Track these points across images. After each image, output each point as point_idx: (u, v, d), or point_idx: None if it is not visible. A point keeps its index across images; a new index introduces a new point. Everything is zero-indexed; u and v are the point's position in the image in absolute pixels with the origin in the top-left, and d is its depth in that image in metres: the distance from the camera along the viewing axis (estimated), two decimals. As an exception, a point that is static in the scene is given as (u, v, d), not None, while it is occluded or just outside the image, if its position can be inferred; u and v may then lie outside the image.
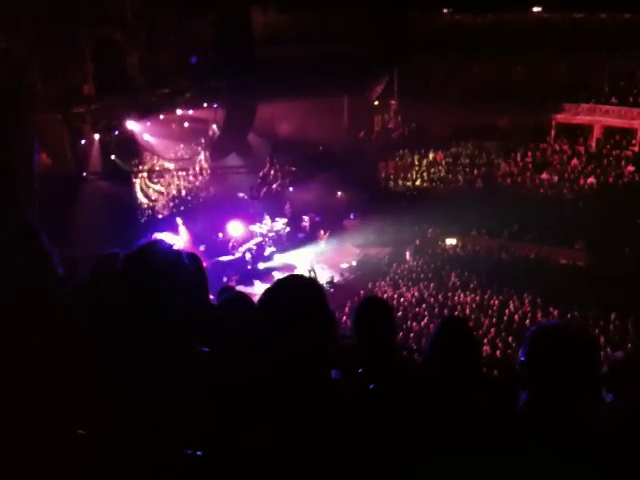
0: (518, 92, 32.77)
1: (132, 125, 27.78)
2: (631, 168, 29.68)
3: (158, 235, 23.71)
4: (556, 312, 19.90)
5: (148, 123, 28.47)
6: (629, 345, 17.51)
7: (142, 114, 28.16)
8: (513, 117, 33.30)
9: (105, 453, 1.60)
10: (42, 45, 24.17)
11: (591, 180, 29.65)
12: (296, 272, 23.44)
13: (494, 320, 19.67)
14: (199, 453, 1.82)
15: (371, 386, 2.63)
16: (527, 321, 19.28)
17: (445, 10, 36.03)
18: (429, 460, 2.43)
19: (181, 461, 1.76)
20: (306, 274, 23.82)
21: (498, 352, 17.28)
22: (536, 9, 34.06)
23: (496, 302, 21.08)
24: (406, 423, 2.47)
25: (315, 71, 28.66)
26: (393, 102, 36.52)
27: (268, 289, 2.11)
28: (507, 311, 20.36)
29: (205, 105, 30.65)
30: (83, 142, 26.20)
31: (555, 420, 2.14)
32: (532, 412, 2.22)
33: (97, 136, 26.51)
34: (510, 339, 17.88)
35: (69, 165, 25.91)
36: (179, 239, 24.19)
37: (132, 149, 28.35)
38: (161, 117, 28.94)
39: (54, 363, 1.54)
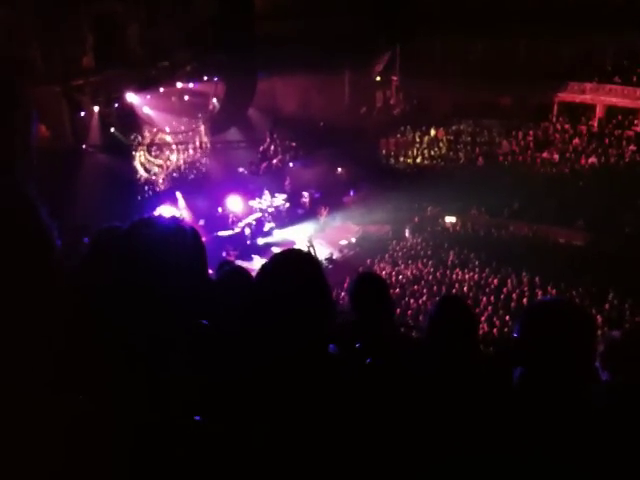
0: (521, 70, 32.48)
1: (132, 98, 27.56)
2: (633, 148, 29.56)
3: (159, 209, 23.75)
4: (554, 291, 19.98)
5: (148, 96, 28.22)
6: (626, 325, 17.63)
7: (142, 87, 27.91)
8: (515, 95, 33.09)
9: (103, 430, 1.62)
10: (41, 17, 23.91)
11: (592, 160, 29.55)
12: (294, 247, 23.46)
13: (492, 298, 19.75)
14: (197, 418, 1.84)
15: (368, 360, 2.65)
16: (525, 300, 19.37)
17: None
18: (426, 436, 2.45)
19: (183, 429, 1.77)
20: (305, 249, 23.82)
21: (495, 330, 17.39)
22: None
23: (494, 281, 21.15)
24: (402, 398, 2.49)
25: (317, 46, 28.43)
26: (395, 78, 36.24)
27: (265, 263, 2.11)
28: (505, 290, 20.45)
29: (205, 79, 30.36)
30: (82, 115, 26.02)
31: (549, 397, 2.16)
32: (526, 388, 2.23)
33: (96, 109, 26.32)
34: (507, 317, 17.98)
35: (68, 138, 25.77)
36: (179, 212, 24.19)
37: (132, 122, 28.14)
38: (161, 90, 28.68)
39: (52, 338, 1.55)
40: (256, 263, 22.31)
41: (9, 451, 1.42)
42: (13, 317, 1.46)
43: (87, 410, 1.62)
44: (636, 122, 31.03)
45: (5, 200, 1.41)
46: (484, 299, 19.65)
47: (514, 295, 19.90)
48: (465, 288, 20.78)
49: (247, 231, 25.71)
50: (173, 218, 2.11)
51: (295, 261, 2.09)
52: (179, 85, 29.48)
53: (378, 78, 36.40)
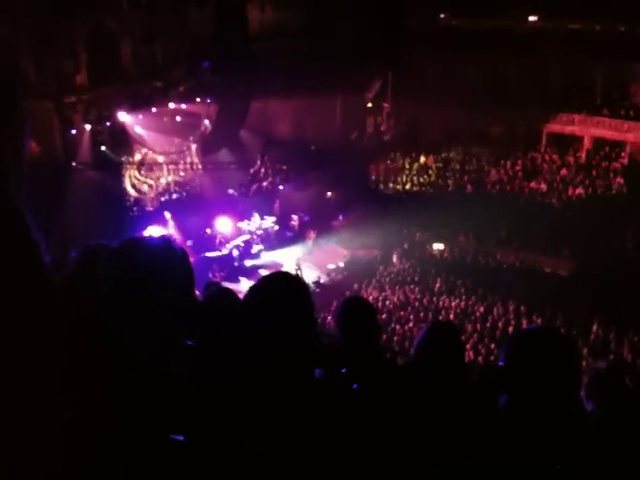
0: (511, 99, 32.90)
1: (124, 117, 27.61)
2: (619, 180, 29.92)
3: (148, 228, 23.67)
4: (539, 320, 20.02)
5: (140, 115, 28.30)
6: (611, 355, 17.68)
7: (134, 106, 28.00)
8: (506, 124, 33.47)
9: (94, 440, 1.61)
10: (36, 32, 24.01)
11: (579, 190, 29.85)
12: (283, 270, 23.45)
13: (478, 326, 19.77)
14: (182, 438, 1.83)
15: (355, 386, 2.64)
16: (510, 328, 19.40)
17: (442, 15, 36.13)
18: (410, 460, 2.44)
19: (166, 447, 1.76)
20: (293, 273, 23.78)
21: (481, 358, 17.38)
22: (532, 18, 34.23)
23: (480, 308, 21.19)
24: (389, 424, 2.48)
25: (309, 71, 28.69)
26: (386, 105, 36.58)
27: (253, 285, 2.11)
28: (491, 317, 20.47)
29: (198, 99, 30.53)
30: (74, 132, 26.03)
31: (534, 425, 2.16)
32: (510, 416, 2.23)
33: (88, 126, 26.35)
34: (493, 345, 17.98)
35: (58, 154, 25.74)
36: (167, 232, 24.11)
37: (123, 141, 28.18)
38: (153, 110, 28.78)
39: (38, 351, 1.54)
40: (243, 285, 22.24)
41: (9, 452, 1.41)
42: (3, 328, 1.45)
43: (82, 413, 1.61)
44: (623, 154, 31.44)
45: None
46: (470, 327, 19.67)
47: (500, 323, 19.93)
48: (451, 315, 20.80)
49: (235, 253, 25.65)
50: (163, 237, 2.12)
51: (282, 284, 2.09)
52: (171, 105, 29.60)
53: (369, 104, 36.72)
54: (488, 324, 19.94)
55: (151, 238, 2.09)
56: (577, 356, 2.35)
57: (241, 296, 2.28)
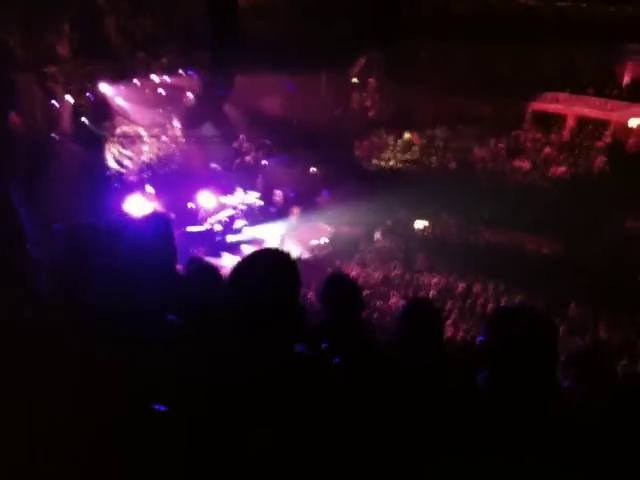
0: (499, 80, 32.83)
1: (105, 88, 27.25)
2: (602, 159, 30.07)
3: (128, 198, 23.49)
4: (520, 298, 20.23)
5: (122, 87, 27.94)
6: (588, 335, 17.95)
7: (116, 78, 27.64)
8: (491, 101, 33.42)
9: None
10: (20, 2, 23.55)
11: (562, 169, 30.00)
12: (271, 246, 23.44)
13: (458, 303, 19.96)
14: (164, 408, 1.85)
15: (336, 360, 2.66)
16: (490, 305, 19.60)
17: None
18: (392, 436, 2.48)
19: (150, 417, 1.77)
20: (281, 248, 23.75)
21: (460, 334, 17.57)
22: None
23: (461, 285, 21.37)
24: (369, 400, 2.51)
25: (296, 46, 28.44)
26: (371, 80, 36.35)
27: (245, 259, 2.11)
28: (471, 295, 20.67)
29: (181, 72, 30.17)
30: (54, 103, 25.65)
31: (513, 399, 2.20)
32: (490, 391, 2.27)
33: (69, 98, 25.97)
34: (472, 323, 18.18)
35: (39, 125, 25.39)
36: (148, 205, 23.95)
37: (105, 113, 27.83)
38: (136, 82, 28.41)
39: (28, 340, 1.54)
40: (225, 260, 22.20)
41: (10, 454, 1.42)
42: None
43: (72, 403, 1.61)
44: (606, 133, 31.57)
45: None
46: (450, 303, 19.85)
47: (480, 301, 20.13)
48: (432, 292, 20.96)
49: (218, 228, 25.56)
50: (154, 215, 2.11)
51: (276, 263, 2.09)
52: (154, 78, 29.23)
53: (355, 79, 36.47)
54: (469, 301, 20.13)
55: (138, 218, 2.09)
56: (554, 333, 2.40)
57: (223, 271, 2.28)
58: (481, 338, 2.33)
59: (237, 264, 2.13)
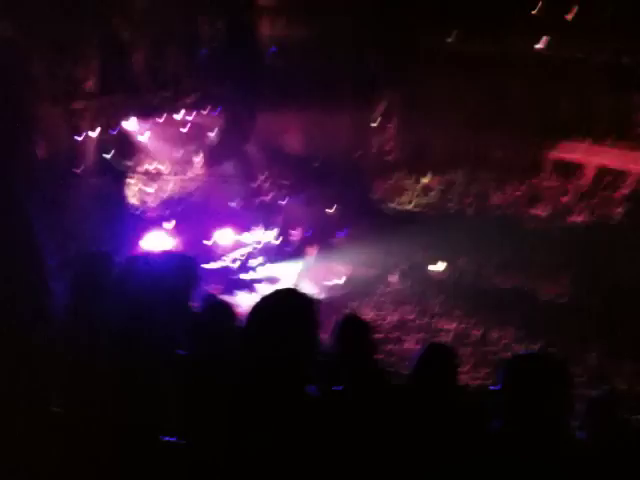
0: (517, 124, 32.99)
1: (131, 125, 27.72)
2: (621, 209, 29.92)
3: (148, 235, 23.67)
4: (536, 346, 19.95)
5: (147, 124, 28.41)
6: (606, 386, 17.59)
7: (142, 115, 28.13)
8: (510, 148, 33.55)
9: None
10: (47, 38, 24.18)
11: (580, 218, 29.87)
12: (280, 286, 23.40)
13: (473, 349, 19.71)
14: (174, 440, 1.84)
15: (348, 403, 2.64)
16: (507, 353, 19.33)
17: (449, 40, 36.31)
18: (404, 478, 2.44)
19: (159, 447, 1.77)
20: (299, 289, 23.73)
21: (476, 382, 17.30)
22: (539, 45, 34.42)
23: (478, 331, 21.13)
24: (383, 442, 2.49)
25: (318, 86, 28.86)
26: (392, 124, 36.70)
27: (264, 298, 2.12)
28: (488, 341, 20.41)
29: (205, 111, 30.65)
30: (79, 138, 26.11)
31: (526, 448, 2.17)
32: (503, 439, 2.24)
33: (94, 133, 26.44)
34: (488, 370, 17.91)
35: (63, 159, 25.81)
36: (168, 241, 24.12)
37: (128, 149, 28.24)
38: (161, 120, 28.90)
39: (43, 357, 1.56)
40: (241, 298, 22.17)
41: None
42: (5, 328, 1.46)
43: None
44: (625, 184, 31.46)
45: (3, 214, 1.43)
46: (466, 349, 19.61)
47: (496, 347, 19.86)
48: (448, 337, 20.73)
49: (234, 265, 25.60)
50: (173, 253, 2.14)
51: (295, 304, 2.10)
52: (179, 116, 29.72)
53: (375, 123, 36.85)
54: (485, 348, 19.88)
55: (155, 254, 2.13)
56: (570, 382, 2.36)
57: (239, 310, 2.29)
58: (495, 385, 2.31)
59: (257, 302, 2.14)
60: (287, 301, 2.02)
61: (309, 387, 2.12)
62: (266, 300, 2.04)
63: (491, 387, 2.23)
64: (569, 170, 33.56)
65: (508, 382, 2.23)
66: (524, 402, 2.13)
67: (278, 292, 2.09)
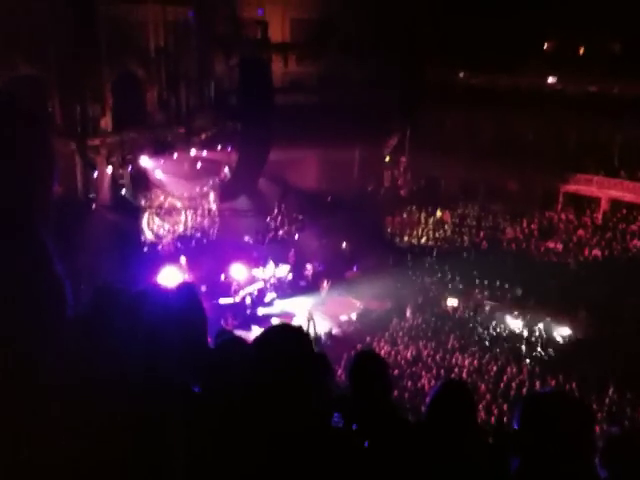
0: (528, 156, 33.10)
1: (145, 161, 28.09)
2: (637, 242, 29.73)
3: (162, 270, 23.74)
4: (553, 382, 19.66)
5: (162, 160, 28.78)
6: (626, 421, 17.25)
7: (156, 151, 28.50)
8: (522, 181, 33.62)
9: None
10: (64, 76, 24.69)
11: (596, 252, 29.68)
12: (293, 321, 23.33)
13: (490, 385, 19.44)
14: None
15: (366, 444, 2.60)
16: (524, 389, 19.05)
17: (462, 74, 36.71)
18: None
19: None
20: (305, 322, 23.71)
21: (493, 418, 17.03)
22: (551, 79, 34.70)
23: (494, 367, 20.87)
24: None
25: (329, 123, 29.17)
26: (404, 159, 36.94)
27: (258, 337, 2.12)
28: (504, 377, 20.13)
29: (219, 147, 31.04)
30: (95, 174, 26.46)
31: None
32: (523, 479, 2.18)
33: (110, 169, 26.78)
34: (505, 406, 17.63)
35: (79, 195, 26.14)
36: (182, 276, 24.18)
37: (143, 184, 28.61)
38: (175, 156, 29.27)
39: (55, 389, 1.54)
40: (255, 333, 22.10)
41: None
42: (25, 367, 1.45)
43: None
44: (640, 217, 31.34)
45: (23, 252, 1.43)
46: (483, 386, 19.34)
47: (513, 384, 19.58)
48: (464, 373, 20.48)
49: (248, 300, 25.60)
50: (184, 285, 2.14)
51: (283, 338, 2.08)
52: (193, 152, 30.10)
53: (387, 158, 37.09)
54: (501, 384, 19.60)
55: (167, 288, 2.13)
56: (591, 421, 2.31)
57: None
58: (514, 425, 2.26)
59: (253, 341, 2.14)
60: (279, 339, 2.01)
61: (334, 415, 2.09)
62: (260, 339, 2.04)
63: (513, 426, 2.18)
64: (583, 203, 33.59)
65: (526, 422, 2.18)
66: (544, 442, 2.08)
67: (269, 330, 2.08)
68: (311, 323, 23.72)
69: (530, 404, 2.29)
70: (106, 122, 27.29)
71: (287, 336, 2.11)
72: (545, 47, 35.18)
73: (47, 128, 1.50)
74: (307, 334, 2.16)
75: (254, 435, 1.93)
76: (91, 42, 25.12)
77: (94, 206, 25.92)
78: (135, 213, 27.74)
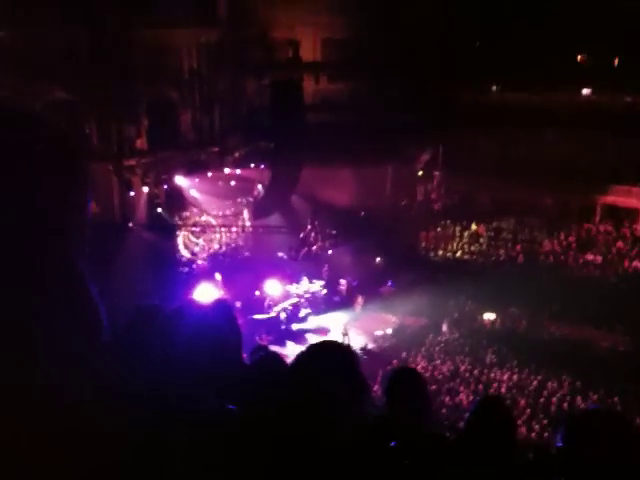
0: (564, 171, 32.64)
1: (180, 180, 28.48)
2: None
3: (198, 287, 23.95)
4: (595, 397, 19.25)
5: (196, 179, 29.17)
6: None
7: (191, 170, 28.91)
8: (558, 196, 33.17)
9: None
10: (100, 99, 25.22)
11: (636, 264, 29.06)
12: (330, 336, 23.28)
13: (530, 401, 19.11)
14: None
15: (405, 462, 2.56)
16: (565, 404, 18.69)
17: (494, 88, 36.46)
18: None
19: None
20: (340, 338, 23.66)
21: (534, 434, 16.72)
22: (585, 91, 34.24)
23: (533, 382, 20.52)
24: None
25: (361, 139, 29.22)
26: (437, 173, 36.74)
27: (301, 353, 2.09)
28: (545, 392, 19.77)
29: (252, 165, 31.32)
30: (132, 194, 26.90)
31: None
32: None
33: (146, 188, 27.20)
34: (546, 422, 17.30)
35: (116, 214, 26.58)
36: (217, 293, 24.34)
37: (178, 203, 29.00)
38: (209, 174, 29.64)
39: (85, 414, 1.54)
40: (290, 349, 22.10)
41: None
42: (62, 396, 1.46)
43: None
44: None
45: (58, 275, 1.44)
46: (522, 401, 19.01)
47: (554, 399, 19.21)
48: (503, 388, 20.16)
49: (283, 316, 25.64)
50: (219, 302, 2.15)
51: (332, 354, 2.06)
52: (227, 170, 30.43)
53: (420, 172, 36.93)
54: (542, 399, 19.24)
55: (203, 304, 2.13)
56: (637, 438, 2.24)
57: (288, 360, 2.26)
58: (559, 444, 2.20)
59: (295, 357, 2.11)
60: (326, 352, 1.99)
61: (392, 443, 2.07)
62: (304, 354, 2.01)
63: (557, 444, 2.12)
64: (621, 215, 32.95)
65: (571, 440, 2.12)
66: (590, 463, 2.02)
67: (314, 345, 2.06)
68: (346, 338, 23.63)
69: (576, 422, 2.23)
70: (141, 143, 27.79)
71: (327, 353, 2.09)
72: (578, 60, 34.83)
73: (80, 149, 1.51)
74: (351, 351, 2.14)
75: (287, 451, 1.91)
76: (126, 66, 25.66)
77: (131, 225, 26.32)
78: (171, 231, 28.09)
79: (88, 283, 1.45)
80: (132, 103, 26.74)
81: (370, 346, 24.90)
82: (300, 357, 2.07)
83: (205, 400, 2.00)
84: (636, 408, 18.40)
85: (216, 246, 30.69)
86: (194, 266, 28.72)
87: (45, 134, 1.41)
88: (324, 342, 2.16)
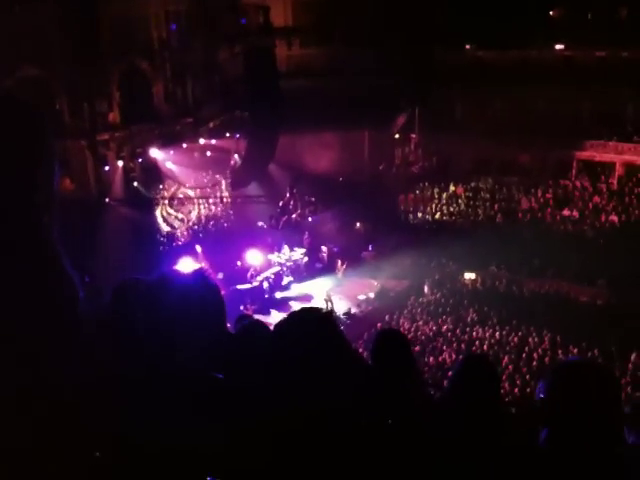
0: (541, 128, 32.74)
1: (155, 153, 28.15)
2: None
3: (179, 261, 23.88)
4: (576, 350, 19.60)
5: (171, 151, 28.85)
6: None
7: (166, 143, 28.56)
8: (535, 153, 33.30)
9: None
10: (70, 74, 24.70)
11: (613, 217, 29.41)
12: (313, 303, 23.41)
13: (512, 357, 19.42)
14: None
15: (389, 421, 2.59)
16: (546, 359, 19.02)
17: (468, 46, 36.26)
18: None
19: None
20: (323, 304, 23.80)
21: (516, 389, 17.03)
22: (559, 47, 34.20)
23: (515, 339, 20.83)
24: (425, 460, 2.42)
25: (337, 104, 29.00)
26: (414, 135, 36.66)
27: (282, 320, 2.10)
28: (526, 348, 20.10)
29: (227, 135, 31.02)
30: (107, 168, 26.57)
31: (576, 458, 2.09)
32: (552, 450, 2.16)
33: (120, 163, 26.88)
34: (529, 377, 17.62)
35: (92, 190, 26.28)
36: (198, 265, 24.29)
37: (154, 176, 28.71)
38: (184, 146, 29.32)
39: (67, 391, 1.54)
40: (274, 317, 22.21)
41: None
42: (37, 366, 1.45)
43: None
44: (656, 180, 30.97)
45: (31, 250, 1.42)
46: (505, 358, 19.32)
47: (535, 354, 19.54)
48: (485, 346, 20.47)
49: (265, 285, 25.69)
50: (196, 271, 2.14)
51: (310, 319, 2.07)
52: (202, 141, 30.12)
53: (397, 135, 36.82)
54: (524, 355, 19.57)
55: (183, 273, 2.12)
56: (617, 388, 2.29)
57: (272, 328, 2.27)
58: (541, 395, 2.24)
59: (275, 328, 2.12)
60: (306, 322, 2.00)
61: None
62: (283, 325, 2.02)
63: (539, 396, 2.16)
64: (598, 170, 33.21)
65: (555, 391, 2.16)
66: (573, 412, 2.06)
67: (293, 314, 2.07)
68: (329, 304, 23.79)
69: (557, 373, 2.27)
70: (114, 117, 27.35)
71: (308, 319, 2.10)
72: (551, 15, 34.70)
73: (46, 126, 1.48)
74: (331, 316, 2.15)
75: (279, 418, 1.93)
76: (95, 39, 25.10)
77: (107, 201, 26.05)
78: (148, 205, 27.86)
79: (61, 255, 1.44)
80: (103, 76, 26.24)
81: (354, 310, 25.10)
82: (280, 324, 2.08)
83: (192, 369, 2.00)
84: (617, 360, 18.82)
85: (195, 218, 30.52)
86: (174, 240, 28.57)
87: (10, 111, 1.38)
88: (303, 309, 2.17)
